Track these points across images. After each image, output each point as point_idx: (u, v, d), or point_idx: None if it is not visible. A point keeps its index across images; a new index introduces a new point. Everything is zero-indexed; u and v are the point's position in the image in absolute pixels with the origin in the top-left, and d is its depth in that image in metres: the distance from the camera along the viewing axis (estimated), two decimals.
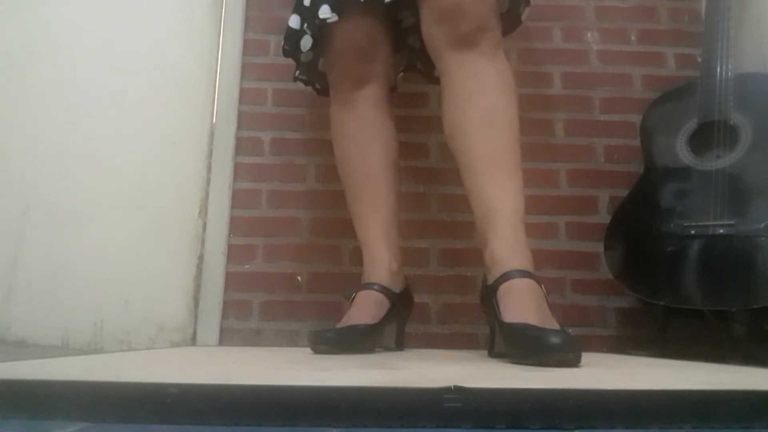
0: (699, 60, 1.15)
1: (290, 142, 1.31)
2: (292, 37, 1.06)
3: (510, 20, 1.08)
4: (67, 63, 1.32)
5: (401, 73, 1.24)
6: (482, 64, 0.91)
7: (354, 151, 1.07)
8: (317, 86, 1.18)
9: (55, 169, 1.28)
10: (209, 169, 1.29)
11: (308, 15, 1.01)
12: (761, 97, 1.07)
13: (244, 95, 1.33)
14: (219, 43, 1.35)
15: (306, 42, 1.05)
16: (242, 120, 1.32)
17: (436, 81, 1.23)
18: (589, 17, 1.37)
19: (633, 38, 1.36)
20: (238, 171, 1.29)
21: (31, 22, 1.35)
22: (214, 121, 1.31)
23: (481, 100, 0.91)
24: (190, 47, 1.34)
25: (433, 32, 0.94)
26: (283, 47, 1.10)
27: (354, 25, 1.01)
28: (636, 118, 1.25)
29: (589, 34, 1.36)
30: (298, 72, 1.14)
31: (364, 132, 1.07)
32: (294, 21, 1.05)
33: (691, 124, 1.11)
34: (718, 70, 1.10)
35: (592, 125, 1.32)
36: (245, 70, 1.33)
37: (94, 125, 1.30)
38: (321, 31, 1.02)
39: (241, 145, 1.30)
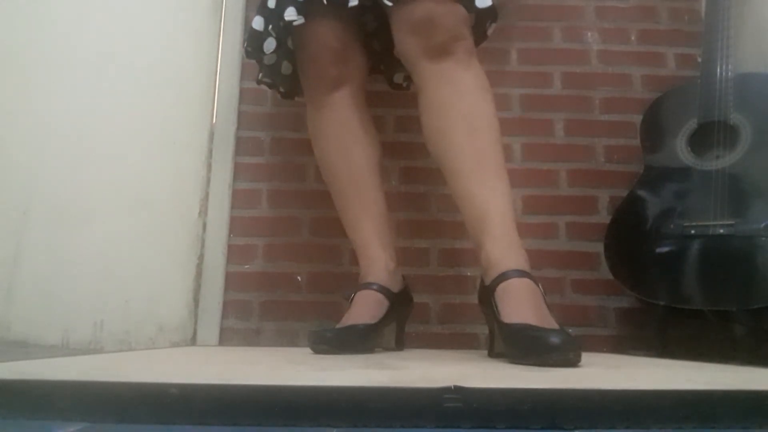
0: (699, 60, 1.15)
1: (290, 142, 1.31)
2: (256, 39, 1.05)
3: (476, 35, 1.04)
4: (67, 63, 1.32)
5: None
6: (458, 71, 0.92)
7: (336, 153, 1.07)
8: (281, 90, 1.17)
9: (56, 169, 1.28)
10: (209, 169, 1.29)
11: (273, 17, 1.00)
12: (761, 97, 1.07)
13: (244, 95, 1.32)
14: (219, 43, 1.35)
15: (269, 44, 1.04)
16: (242, 120, 1.32)
17: (397, 87, 1.25)
18: (589, 17, 1.37)
19: (633, 38, 1.36)
20: (238, 171, 1.29)
21: (31, 22, 1.35)
22: (214, 121, 1.31)
23: (461, 105, 0.92)
24: (190, 47, 1.34)
25: (406, 42, 0.93)
26: (245, 48, 1.09)
27: (326, 28, 1.01)
28: (636, 118, 1.25)
29: (589, 34, 1.36)
30: (261, 75, 1.13)
31: (345, 134, 1.06)
32: (257, 23, 1.04)
33: (691, 124, 1.11)
34: (718, 70, 1.10)
35: (592, 125, 1.32)
36: (245, 70, 1.33)
37: (94, 125, 1.29)
38: (286, 33, 1.02)
39: (241, 145, 1.30)
